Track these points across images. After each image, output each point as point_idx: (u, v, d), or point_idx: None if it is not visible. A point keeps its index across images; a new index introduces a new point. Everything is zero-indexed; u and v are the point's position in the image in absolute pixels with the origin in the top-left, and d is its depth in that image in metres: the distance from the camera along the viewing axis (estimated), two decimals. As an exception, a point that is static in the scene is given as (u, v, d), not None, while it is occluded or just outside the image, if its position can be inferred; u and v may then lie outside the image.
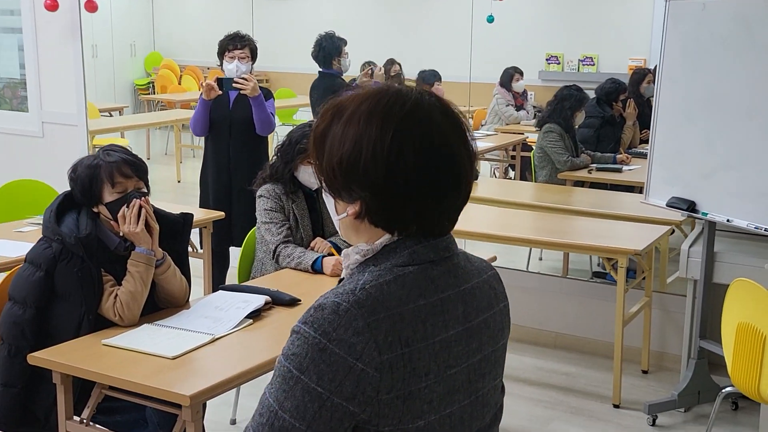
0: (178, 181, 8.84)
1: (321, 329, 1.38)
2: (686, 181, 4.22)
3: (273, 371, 1.44)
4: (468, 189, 1.52)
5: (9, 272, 3.36)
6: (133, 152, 3.30)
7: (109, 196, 3.14)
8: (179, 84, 10.11)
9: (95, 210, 3.17)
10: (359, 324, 1.37)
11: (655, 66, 5.76)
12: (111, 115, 9.17)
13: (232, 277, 4.95)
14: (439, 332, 1.45)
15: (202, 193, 5.39)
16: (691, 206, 4.17)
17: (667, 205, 4.28)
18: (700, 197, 4.16)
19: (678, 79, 4.23)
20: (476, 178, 6.11)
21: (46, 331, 3.11)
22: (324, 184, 1.51)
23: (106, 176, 3.13)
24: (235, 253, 4.62)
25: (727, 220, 4.03)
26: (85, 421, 2.93)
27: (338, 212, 1.53)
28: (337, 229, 1.57)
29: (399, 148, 1.42)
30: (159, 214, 3.29)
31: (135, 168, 3.19)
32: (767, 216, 3.87)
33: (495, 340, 1.58)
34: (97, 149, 3.30)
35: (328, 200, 1.54)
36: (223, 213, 4.93)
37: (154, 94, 10.13)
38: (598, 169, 6.19)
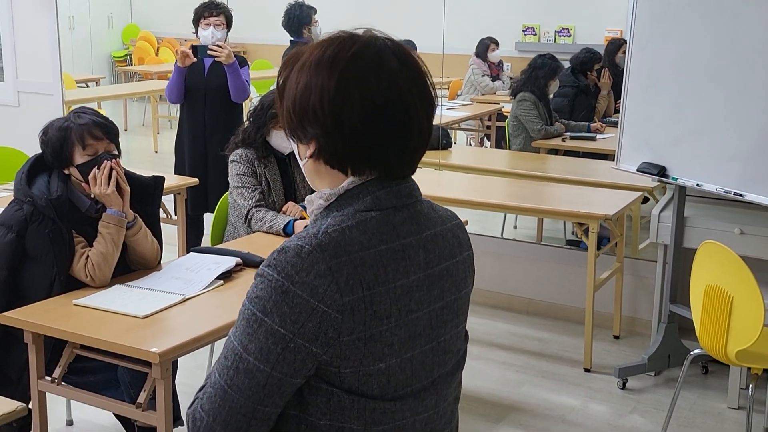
0: (155, 152, 8.82)
1: (284, 272, 1.40)
2: (656, 146, 4.26)
3: (238, 315, 1.47)
4: (423, 132, 1.52)
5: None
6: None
7: (80, 158, 3.15)
8: (156, 56, 10.06)
9: (66, 172, 3.18)
10: (321, 267, 1.40)
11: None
12: (87, 86, 9.13)
13: (206, 243, 4.96)
14: (400, 277, 1.48)
15: (177, 160, 5.39)
16: (661, 171, 4.21)
17: (637, 171, 4.32)
18: (670, 162, 4.20)
19: (648, 45, 4.26)
20: (450, 146, 6.18)
21: (18, 292, 3.13)
22: (285, 129, 1.55)
23: (77, 138, 3.14)
24: (210, 220, 4.63)
25: (697, 185, 4.07)
26: (56, 380, 2.95)
27: (300, 156, 1.55)
28: (305, 175, 1.60)
29: (345, 93, 1.45)
30: (130, 177, 3.30)
31: (106, 130, 3.20)
32: (736, 180, 3.91)
33: (458, 288, 1.61)
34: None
35: (294, 148, 1.58)
36: (196, 179, 4.94)
37: (132, 65, 10.09)
38: (572, 138, 6.22)
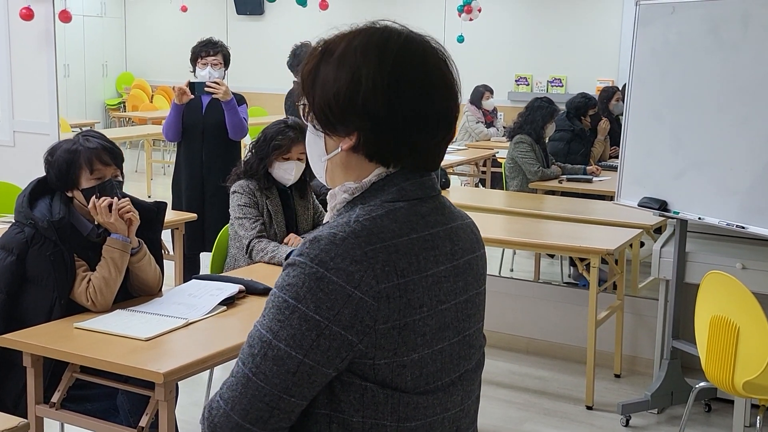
0: (149, 196, 8.80)
1: (318, 259, 1.37)
2: (657, 181, 4.26)
3: (265, 306, 1.43)
4: (455, 125, 1.54)
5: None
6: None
7: (86, 182, 3.11)
8: (151, 102, 10.10)
9: (69, 195, 3.14)
10: (357, 253, 1.37)
11: (624, 84, 5.86)
12: (82, 130, 9.13)
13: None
14: (431, 266, 1.46)
15: (174, 198, 5.35)
16: (662, 205, 4.21)
17: (638, 205, 4.32)
18: (671, 197, 4.20)
19: (648, 80, 4.29)
20: (448, 186, 6.17)
21: (17, 316, 3.07)
22: (316, 123, 1.51)
23: (85, 162, 3.10)
24: (206, 260, 4.58)
25: (699, 218, 4.07)
26: (55, 405, 2.88)
27: (328, 151, 1.52)
28: (320, 172, 1.56)
29: (398, 80, 1.43)
30: (133, 202, 3.27)
31: (113, 156, 3.18)
32: (738, 213, 3.91)
33: (478, 283, 1.59)
34: (76, 134, 3.28)
35: (317, 142, 1.53)
36: (194, 215, 4.90)
37: (125, 113, 10.13)
38: (569, 180, 6.23)
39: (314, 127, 1.52)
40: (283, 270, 1.41)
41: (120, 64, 10.72)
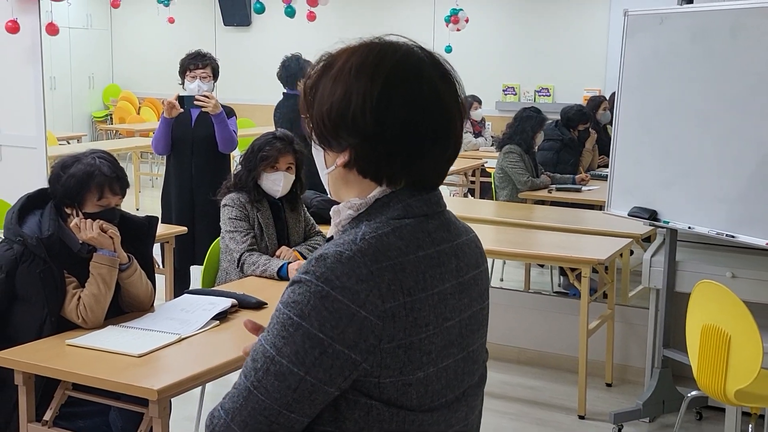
0: (137, 209, 8.78)
1: (323, 277, 1.37)
2: (647, 190, 4.27)
3: (269, 321, 1.43)
4: (457, 143, 1.52)
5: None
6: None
7: (91, 206, 3.08)
8: (138, 114, 10.07)
9: (68, 211, 3.10)
10: (363, 272, 1.37)
11: (612, 93, 5.87)
12: (69, 143, 9.09)
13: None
14: (437, 284, 1.45)
15: (164, 211, 5.34)
16: (652, 215, 4.22)
17: (628, 215, 4.33)
18: (661, 206, 4.21)
19: (637, 90, 4.31)
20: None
21: (7, 334, 3.04)
22: (314, 136, 1.52)
23: (97, 188, 3.07)
24: (197, 274, 4.57)
25: (689, 227, 4.08)
26: (48, 422, 2.86)
27: (327, 165, 1.52)
28: (326, 186, 1.57)
29: (388, 99, 1.43)
30: (124, 217, 3.25)
31: (122, 186, 3.17)
32: (727, 222, 3.92)
33: (482, 299, 1.59)
34: (89, 151, 3.24)
35: (318, 155, 1.54)
36: (185, 228, 4.89)
37: (112, 125, 10.09)
38: (558, 189, 6.24)
39: (314, 141, 1.53)
40: (289, 286, 1.42)
41: (107, 76, 10.69)
